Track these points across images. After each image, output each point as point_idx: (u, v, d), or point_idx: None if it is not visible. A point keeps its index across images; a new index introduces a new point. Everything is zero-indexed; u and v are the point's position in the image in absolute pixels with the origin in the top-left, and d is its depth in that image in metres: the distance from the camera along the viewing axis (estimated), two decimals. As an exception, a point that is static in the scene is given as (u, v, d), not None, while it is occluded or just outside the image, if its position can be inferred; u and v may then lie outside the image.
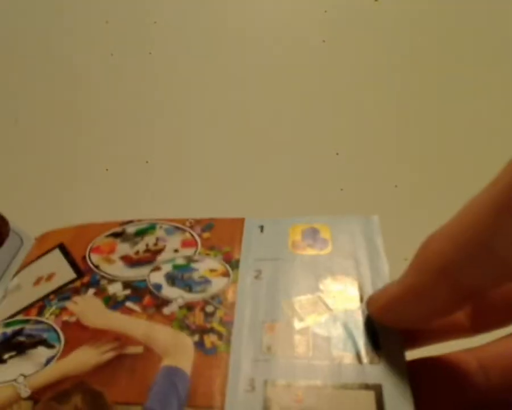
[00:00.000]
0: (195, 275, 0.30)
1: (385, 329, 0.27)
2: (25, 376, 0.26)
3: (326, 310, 0.28)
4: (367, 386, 0.24)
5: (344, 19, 0.66)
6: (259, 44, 0.64)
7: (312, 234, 0.32)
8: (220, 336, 0.27)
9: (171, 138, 0.54)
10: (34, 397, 0.26)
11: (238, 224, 0.34)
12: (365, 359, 0.26)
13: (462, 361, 0.25)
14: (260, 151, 0.53)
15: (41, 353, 0.28)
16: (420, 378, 0.25)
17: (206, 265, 0.31)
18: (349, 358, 0.26)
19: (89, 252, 0.33)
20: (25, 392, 0.26)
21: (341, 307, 0.28)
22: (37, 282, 0.32)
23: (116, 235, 0.34)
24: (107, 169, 0.48)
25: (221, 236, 0.33)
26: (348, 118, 0.55)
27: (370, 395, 0.24)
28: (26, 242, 0.36)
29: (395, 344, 0.26)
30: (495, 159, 0.49)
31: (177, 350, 0.27)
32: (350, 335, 0.27)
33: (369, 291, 0.29)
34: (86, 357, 0.27)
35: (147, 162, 0.47)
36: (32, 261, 0.34)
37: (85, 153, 0.53)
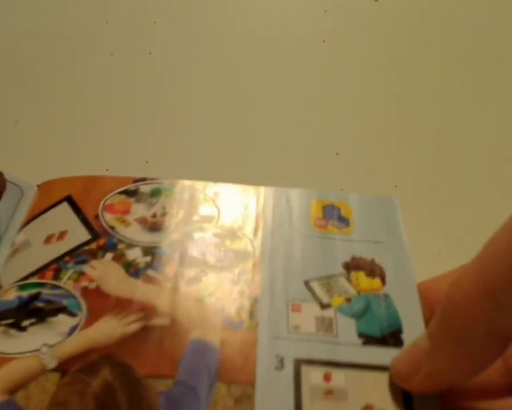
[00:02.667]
0: (217, 246, 0.30)
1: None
2: (49, 346, 0.26)
3: (349, 291, 0.29)
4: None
5: (344, 19, 0.64)
6: (259, 44, 0.62)
7: (333, 212, 0.32)
8: (246, 311, 0.27)
9: (171, 138, 0.52)
10: (61, 368, 0.25)
11: (257, 192, 0.33)
12: (389, 341, 0.26)
13: None
14: (259, 153, 0.52)
15: (63, 321, 0.27)
16: None
17: (227, 237, 0.31)
18: (374, 340, 0.27)
19: (102, 210, 0.32)
20: (51, 363, 0.25)
21: (364, 288, 0.29)
22: (48, 240, 0.31)
23: (129, 193, 0.33)
24: (107, 170, 0.46)
25: (241, 205, 0.32)
26: (348, 118, 0.54)
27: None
28: (27, 192, 0.34)
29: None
30: (496, 160, 0.50)
31: (205, 323, 0.27)
32: (374, 316, 0.27)
33: (391, 272, 0.29)
34: (111, 328, 0.27)
35: (146, 162, 0.46)
36: (39, 214, 0.32)
37: (84, 153, 0.51)
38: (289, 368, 0.25)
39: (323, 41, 0.62)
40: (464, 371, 0.22)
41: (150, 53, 0.61)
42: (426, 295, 0.28)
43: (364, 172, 0.49)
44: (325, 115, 0.54)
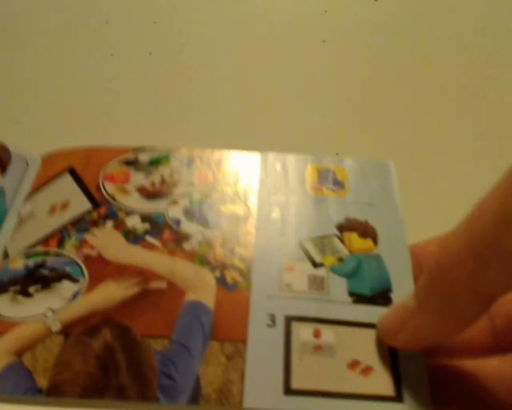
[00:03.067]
0: (213, 211, 0.31)
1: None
2: (53, 311, 0.27)
3: (342, 251, 0.29)
4: None
5: (344, 19, 0.63)
6: (259, 44, 0.62)
7: (328, 176, 0.33)
8: (240, 272, 0.28)
9: (171, 139, 0.53)
10: (65, 331, 0.27)
11: (253, 158, 0.34)
12: (379, 301, 0.27)
13: None
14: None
15: (67, 287, 0.28)
16: None
17: (224, 201, 0.31)
18: (364, 298, 0.27)
19: (103, 180, 0.33)
20: (56, 327, 0.27)
21: (356, 248, 0.29)
22: (52, 210, 0.32)
23: (129, 163, 0.34)
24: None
25: (237, 171, 0.33)
26: (348, 118, 0.54)
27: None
28: (31, 163, 0.35)
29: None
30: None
31: (200, 285, 0.28)
32: (365, 276, 0.28)
33: (383, 233, 0.30)
34: (111, 292, 0.28)
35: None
36: (43, 185, 0.34)
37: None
38: (280, 325, 0.26)
39: (323, 41, 0.61)
40: (447, 329, 0.22)
41: (150, 53, 0.61)
42: (418, 257, 0.29)
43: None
44: (325, 115, 0.54)
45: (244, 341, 0.26)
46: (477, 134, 0.51)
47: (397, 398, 0.24)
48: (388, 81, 0.57)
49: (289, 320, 0.26)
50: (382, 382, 0.24)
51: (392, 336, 0.24)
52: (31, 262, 0.30)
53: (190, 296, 0.28)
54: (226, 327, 0.26)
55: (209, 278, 0.28)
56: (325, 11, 0.63)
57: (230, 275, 0.28)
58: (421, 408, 0.23)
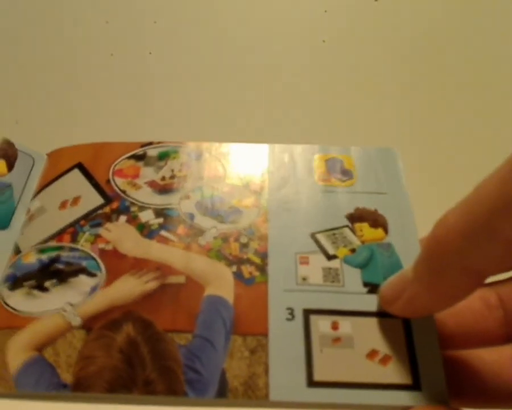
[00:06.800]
0: (226, 205, 0.31)
1: None
2: (72, 305, 0.27)
3: (354, 241, 0.30)
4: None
5: (344, 19, 0.64)
6: (259, 45, 0.62)
7: (336, 165, 0.33)
8: (256, 266, 0.29)
9: (175, 136, 0.53)
10: (86, 325, 0.27)
11: (261, 150, 0.34)
12: None
13: (482, 295, 0.27)
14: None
15: (84, 281, 0.28)
16: None
17: (235, 195, 0.32)
18: (378, 288, 0.28)
19: (112, 175, 0.33)
20: (76, 321, 0.27)
21: (368, 238, 0.30)
22: (63, 205, 0.32)
23: (138, 158, 0.34)
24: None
25: (246, 163, 0.33)
26: (348, 118, 0.55)
27: (398, 323, 0.27)
28: (38, 160, 0.35)
29: None
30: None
31: (218, 280, 0.28)
32: (378, 265, 0.29)
33: (393, 221, 0.31)
34: (130, 287, 0.28)
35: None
36: (51, 181, 0.33)
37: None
38: (299, 319, 0.27)
39: (323, 41, 0.62)
40: (438, 302, 0.24)
41: (150, 53, 0.61)
42: None
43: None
44: (325, 116, 0.55)
45: (265, 335, 0.26)
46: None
47: (415, 386, 0.25)
48: (388, 81, 0.59)
49: (307, 313, 0.27)
50: (400, 370, 0.25)
51: (390, 303, 0.26)
52: (45, 257, 0.29)
53: (210, 291, 0.28)
54: (246, 321, 0.27)
55: (227, 272, 0.29)
56: (325, 11, 0.64)
57: (247, 270, 0.29)
58: (438, 396, 0.25)
